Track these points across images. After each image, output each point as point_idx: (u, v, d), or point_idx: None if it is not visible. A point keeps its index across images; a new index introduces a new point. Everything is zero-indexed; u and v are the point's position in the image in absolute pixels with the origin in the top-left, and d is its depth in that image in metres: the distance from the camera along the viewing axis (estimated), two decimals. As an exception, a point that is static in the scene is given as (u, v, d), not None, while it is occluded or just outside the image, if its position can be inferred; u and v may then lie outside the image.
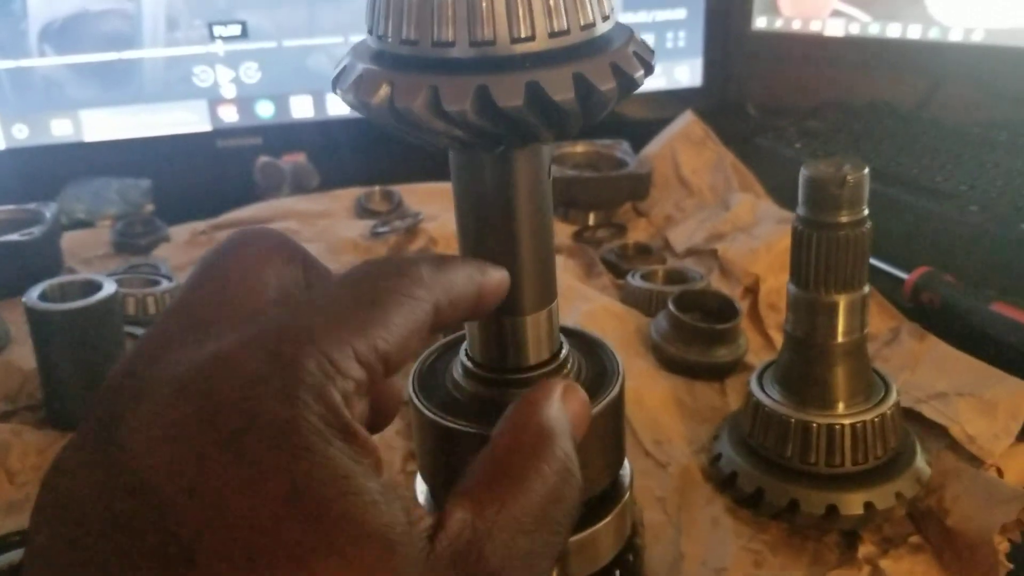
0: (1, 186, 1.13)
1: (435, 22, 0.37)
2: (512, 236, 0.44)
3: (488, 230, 0.44)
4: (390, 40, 0.38)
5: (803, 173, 0.54)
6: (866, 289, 0.56)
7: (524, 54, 0.37)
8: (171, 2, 1.13)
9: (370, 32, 0.40)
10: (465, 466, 0.46)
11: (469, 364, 0.48)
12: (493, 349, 0.47)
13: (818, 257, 0.55)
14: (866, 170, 0.53)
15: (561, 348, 0.49)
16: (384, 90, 0.38)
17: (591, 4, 0.38)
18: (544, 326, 0.47)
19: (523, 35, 0.37)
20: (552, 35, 0.37)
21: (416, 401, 0.47)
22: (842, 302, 0.55)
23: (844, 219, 0.54)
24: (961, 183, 1.04)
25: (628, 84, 0.39)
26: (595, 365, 0.50)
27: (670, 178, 1.08)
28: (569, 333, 0.51)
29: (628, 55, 0.39)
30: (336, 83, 0.41)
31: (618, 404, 0.49)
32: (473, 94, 0.36)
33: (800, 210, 0.55)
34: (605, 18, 0.39)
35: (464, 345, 0.49)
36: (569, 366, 0.49)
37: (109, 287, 0.70)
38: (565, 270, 0.87)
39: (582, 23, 0.38)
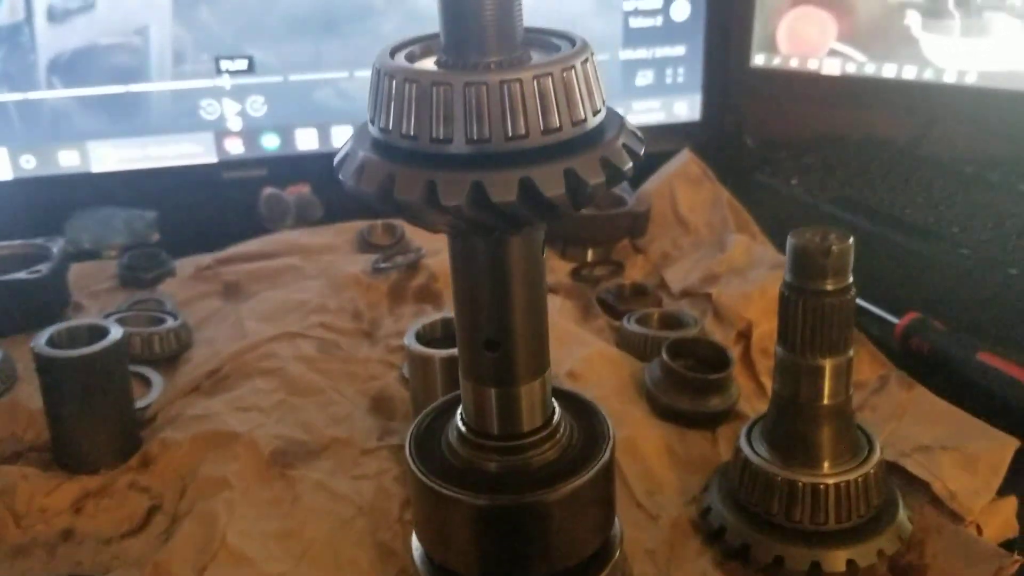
0: (9, 215, 1.15)
1: (433, 120, 0.39)
2: (506, 313, 0.46)
3: (483, 307, 0.46)
4: (391, 132, 0.40)
5: (790, 242, 0.56)
6: (851, 353, 0.58)
7: (518, 150, 0.39)
8: (178, 36, 1.15)
9: (372, 122, 0.42)
10: (459, 532, 0.48)
11: (464, 430, 0.50)
12: (487, 417, 0.49)
13: (804, 322, 0.56)
14: (851, 240, 0.55)
15: (553, 414, 0.50)
16: (384, 181, 0.39)
17: (583, 101, 0.40)
18: (537, 394, 0.49)
19: (518, 133, 0.38)
20: (545, 132, 0.39)
21: (413, 466, 0.49)
22: (828, 366, 0.57)
23: (829, 287, 0.55)
24: (953, 224, 1.06)
25: (617, 176, 0.41)
26: (587, 428, 0.52)
27: (668, 215, 1.09)
28: (562, 395, 0.53)
29: (618, 149, 0.41)
30: (339, 168, 0.43)
31: (608, 469, 0.50)
32: (469, 189, 0.38)
33: (787, 276, 0.57)
34: (596, 112, 0.41)
35: (460, 409, 0.51)
36: (561, 431, 0.50)
37: (115, 333, 0.72)
38: (562, 313, 0.88)
39: (574, 120, 0.40)
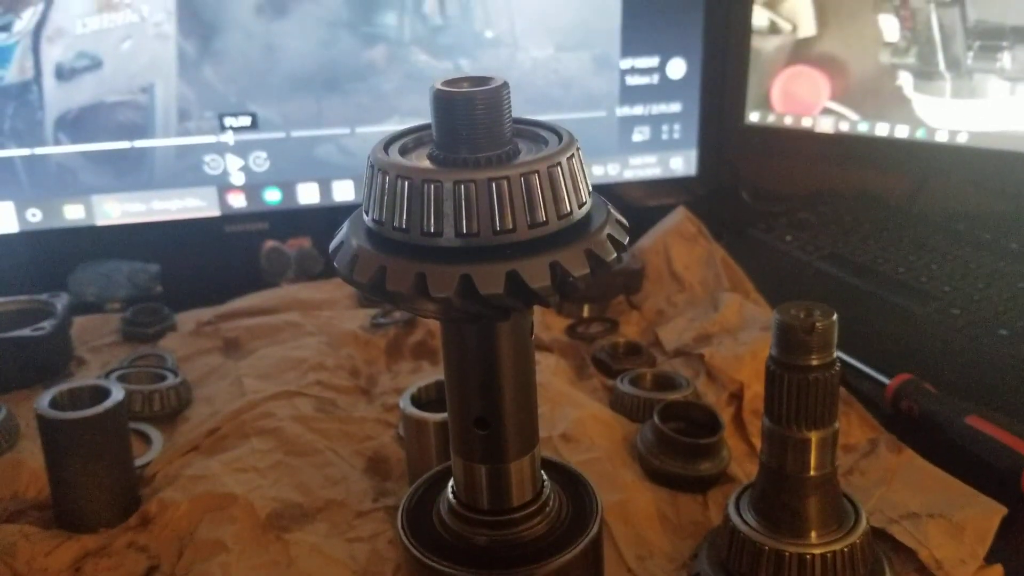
0: (15, 268, 1.17)
1: (424, 214, 0.40)
2: (496, 394, 0.47)
3: (473, 388, 0.47)
4: (383, 224, 0.42)
5: (775, 318, 0.57)
6: (836, 425, 0.59)
7: (506, 244, 0.40)
8: (183, 94, 1.17)
9: (366, 212, 0.43)
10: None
11: (455, 503, 0.51)
12: (478, 492, 0.50)
13: (789, 396, 0.57)
14: (834, 316, 0.56)
15: (543, 488, 0.51)
16: (376, 273, 0.41)
17: (568, 195, 0.41)
18: (527, 470, 0.50)
19: (505, 227, 0.40)
20: (532, 226, 0.40)
21: (404, 539, 0.50)
22: (814, 439, 0.58)
23: (814, 362, 0.57)
24: (945, 284, 1.07)
25: (602, 268, 0.42)
26: (575, 501, 0.53)
27: (663, 272, 1.11)
28: (551, 467, 0.54)
29: (602, 240, 0.42)
30: (334, 255, 0.44)
31: (597, 543, 0.51)
32: (458, 282, 0.39)
33: (773, 351, 0.58)
34: (582, 204, 0.42)
35: (451, 483, 0.52)
36: (550, 505, 0.51)
37: (117, 394, 0.73)
38: (556, 373, 0.90)
39: (559, 214, 0.41)
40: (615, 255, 0.43)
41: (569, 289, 0.41)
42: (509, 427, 0.48)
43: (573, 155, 0.42)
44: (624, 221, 0.45)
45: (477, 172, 0.40)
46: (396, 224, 0.41)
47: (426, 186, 0.40)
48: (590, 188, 0.44)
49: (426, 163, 0.42)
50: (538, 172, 0.40)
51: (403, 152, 0.44)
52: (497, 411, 0.47)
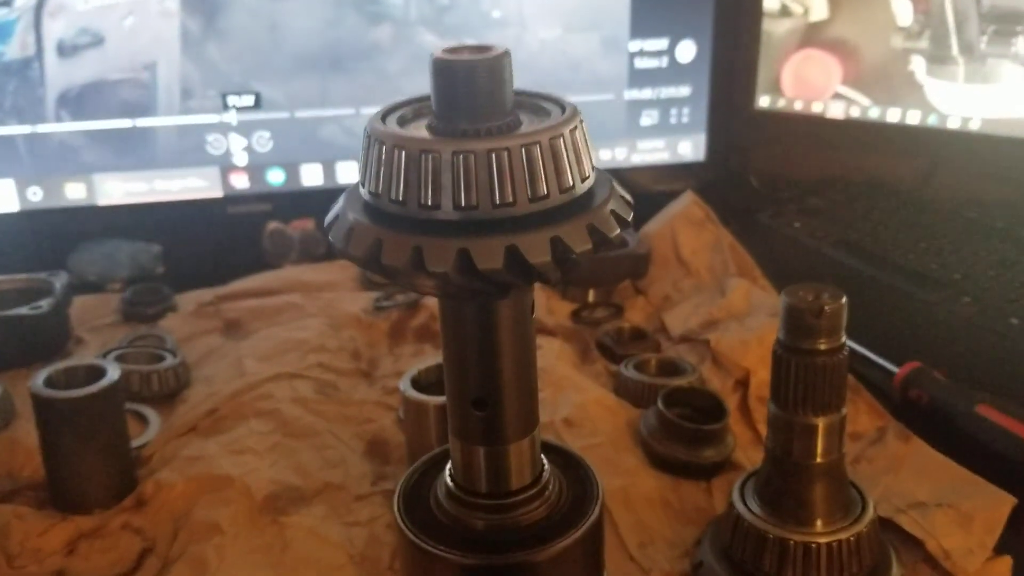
0: (16, 247, 1.16)
1: (422, 187, 0.39)
2: (495, 373, 0.46)
3: (472, 368, 0.46)
4: (380, 196, 0.40)
5: (783, 300, 0.56)
6: (844, 411, 0.58)
7: (505, 217, 0.39)
8: (186, 72, 1.16)
9: (362, 184, 0.42)
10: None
11: (452, 486, 0.50)
12: (476, 475, 0.49)
13: (797, 381, 0.56)
14: (843, 299, 0.55)
15: (542, 472, 0.50)
16: (372, 246, 0.40)
17: (571, 168, 0.40)
18: (526, 453, 0.49)
19: (505, 200, 0.39)
20: (532, 199, 0.39)
21: (400, 522, 0.49)
22: (820, 424, 0.57)
23: (822, 346, 0.55)
24: (955, 271, 1.06)
25: (604, 243, 0.41)
26: (575, 485, 0.52)
27: (669, 258, 1.09)
28: (551, 450, 0.53)
29: (605, 215, 0.41)
30: (329, 228, 0.43)
31: (597, 528, 0.50)
32: (455, 257, 0.38)
33: (780, 335, 0.57)
34: (585, 178, 0.41)
35: (448, 466, 0.51)
36: (550, 489, 0.50)
37: (113, 373, 0.72)
38: (560, 358, 0.88)
39: (561, 187, 0.40)
40: (618, 230, 0.41)
41: (570, 265, 0.40)
42: (508, 408, 0.47)
43: (576, 127, 0.40)
44: (628, 197, 0.44)
45: (476, 142, 0.38)
46: (393, 196, 0.40)
47: (424, 156, 0.38)
48: (593, 161, 0.42)
49: (424, 134, 0.41)
50: (540, 143, 0.39)
51: (401, 123, 0.43)
52: (496, 392, 0.46)
